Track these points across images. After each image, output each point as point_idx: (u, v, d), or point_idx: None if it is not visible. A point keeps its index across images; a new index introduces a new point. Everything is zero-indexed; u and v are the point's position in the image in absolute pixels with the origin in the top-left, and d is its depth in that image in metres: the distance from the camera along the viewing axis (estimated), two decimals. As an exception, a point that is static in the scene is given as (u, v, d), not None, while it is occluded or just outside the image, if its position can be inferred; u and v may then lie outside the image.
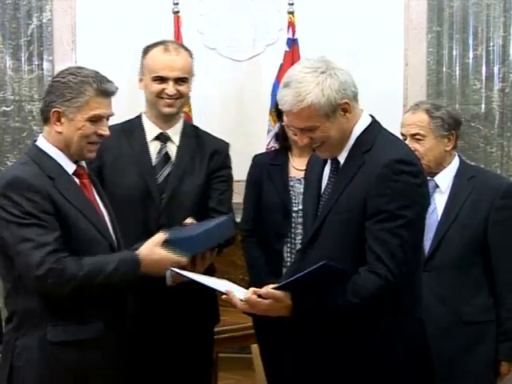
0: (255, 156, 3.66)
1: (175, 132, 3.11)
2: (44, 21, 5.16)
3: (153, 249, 2.49)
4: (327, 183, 2.45)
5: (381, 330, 2.32)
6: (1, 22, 5.15)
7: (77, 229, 2.41)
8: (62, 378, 2.41)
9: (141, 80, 3.14)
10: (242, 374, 4.75)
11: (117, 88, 2.53)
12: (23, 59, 5.17)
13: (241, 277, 4.62)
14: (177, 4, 4.70)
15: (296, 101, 2.29)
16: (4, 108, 5.18)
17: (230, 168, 3.22)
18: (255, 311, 2.30)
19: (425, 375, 2.42)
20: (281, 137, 3.57)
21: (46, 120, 2.50)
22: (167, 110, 3.05)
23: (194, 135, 3.16)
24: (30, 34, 5.15)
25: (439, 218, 3.00)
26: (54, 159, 2.48)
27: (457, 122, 3.13)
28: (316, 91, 2.28)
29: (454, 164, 3.09)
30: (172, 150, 3.09)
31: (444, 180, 3.05)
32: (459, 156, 3.16)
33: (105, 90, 2.46)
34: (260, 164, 3.55)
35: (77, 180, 2.52)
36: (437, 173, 3.05)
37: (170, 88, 3.02)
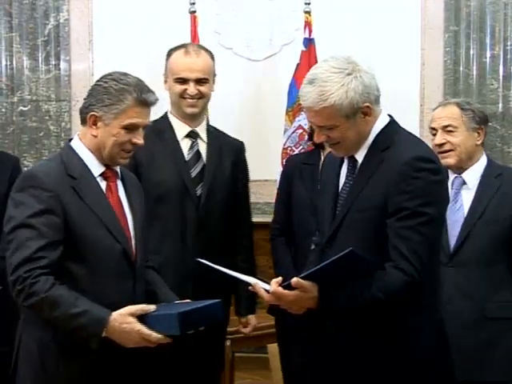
0: (289, 156, 3.71)
1: (202, 130, 3.24)
2: (61, 21, 5.19)
3: (126, 317, 2.34)
4: (345, 182, 2.45)
5: (404, 328, 2.32)
6: (18, 22, 5.19)
7: (86, 230, 2.39)
8: (56, 377, 2.39)
9: (165, 82, 3.24)
10: (258, 374, 4.75)
11: (157, 99, 2.51)
12: (40, 59, 5.20)
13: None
14: (193, 4, 4.72)
15: (319, 99, 2.29)
16: (21, 108, 5.21)
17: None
18: (281, 303, 2.28)
19: (445, 374, 2.41)
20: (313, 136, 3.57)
21: (83, 121, 2.50)
22: (190, 110, 3.17)
23: (216, 134, 3.29)
24: (47, 34, 5.18)
25: (465, 215, 3.00)
26: (81, 159, 2.47)
27: (485, 117, 3.15)
28: (340, 92, 2.28)
29: (482, 161, 3.09)
30: (202, 146, 3.20)
31: (472, 176, 3.05)
32: (486, 154, 3.16)
33: (144, 99, 2.45)
34: (292, 164, 3.59)
35: (103, 182, 2.50)
36: (465, 169, 3.06)
37: (191, 88, 3.13)
